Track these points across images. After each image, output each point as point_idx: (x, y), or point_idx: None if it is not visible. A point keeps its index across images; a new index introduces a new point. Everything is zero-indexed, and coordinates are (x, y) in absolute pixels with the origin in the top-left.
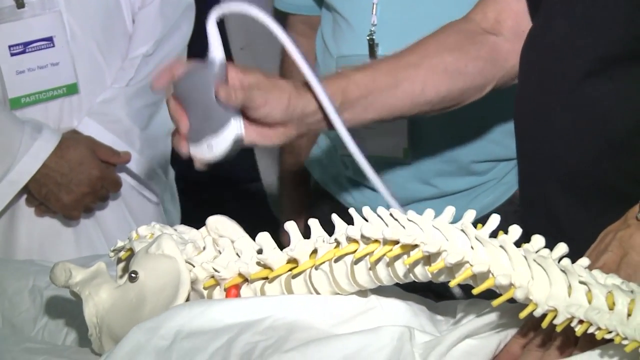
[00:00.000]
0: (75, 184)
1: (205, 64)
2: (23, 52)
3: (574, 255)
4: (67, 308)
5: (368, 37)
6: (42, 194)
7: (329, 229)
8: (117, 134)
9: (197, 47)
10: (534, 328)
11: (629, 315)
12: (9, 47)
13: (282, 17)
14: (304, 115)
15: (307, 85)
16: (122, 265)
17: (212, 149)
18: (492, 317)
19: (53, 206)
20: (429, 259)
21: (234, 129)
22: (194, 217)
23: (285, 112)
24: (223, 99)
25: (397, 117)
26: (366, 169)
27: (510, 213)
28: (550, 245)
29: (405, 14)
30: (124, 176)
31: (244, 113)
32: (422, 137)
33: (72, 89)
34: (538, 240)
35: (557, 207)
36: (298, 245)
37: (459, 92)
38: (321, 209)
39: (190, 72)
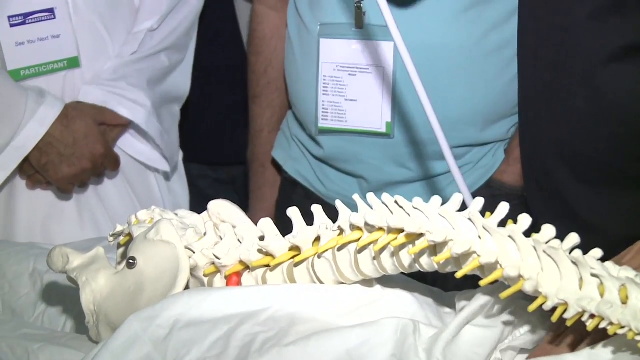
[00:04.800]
0: (78, 157)
1: None
2: (23, 23)
3: (586, 238)
4: (67, 293)
5: (356, 4)
6: (41, 164)
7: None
8: (120, 109)
9: (203, 25)
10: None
11: None
12: (9, 17)
13: None
14: None
15: None
16: (121, 250)
17: None
18: (485, 298)
19: (50, 177)
20: (435, 248)
21: None
22: (201, 200)
23: None
24: None
25: None
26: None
27: (487, 197)
28: (558, 228)
29: None
30: (128, 156)
31: None
32: (406, 113)
33: (73, 63)
34: (548, 230)
35: (565, 190)
36: (300, 232)
37: None
38: (291, 199)
39: None
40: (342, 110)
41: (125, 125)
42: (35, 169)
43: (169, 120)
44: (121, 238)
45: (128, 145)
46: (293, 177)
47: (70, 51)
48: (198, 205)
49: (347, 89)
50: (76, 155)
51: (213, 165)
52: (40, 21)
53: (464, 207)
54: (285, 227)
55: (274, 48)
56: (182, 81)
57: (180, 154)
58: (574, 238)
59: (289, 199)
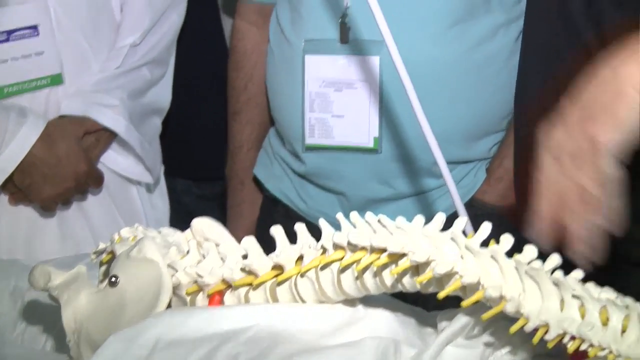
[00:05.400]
0: (61, 178)
1: None
2: (6, 40)
3: None
4: (48, 311)
5: (340, 20)
6: (24, 184)
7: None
8: (101, 117)
9: (187, 38)
10: None
11: (623, 331)
12: None
13: (231, 5)
14: None
15: None
16: (103, 268)
17: None
18: (466, 319)
19: (33, 197)
20: (417, 268)
21: None
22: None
23: None
24: None
25: None
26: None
27: (469, 217)
28: None
29: None
30: (110, 171)
31: None
32: (393, 127)
33: (56, 80)
34: (530, 251)
35: None
36: (284, 251)
37: None
38: (272, 217)
39: None
40: (328, 127)
41: (106, 140)
42: (18, 188)
43: (150, 132)
44: (103, 256)
45: (110, 160)
46: (274, 195)
47: (53, 68)
48: (182, 221)
49: (334, 105)
50: (60, 175)
51: (198, 181)
52: (23, 38)
53: (448, 225)
54: (266, 245)
55: (255, 64)
56: (163, 94)
57: (162, 168)
58: (555, 259)
59: (270, 217)
